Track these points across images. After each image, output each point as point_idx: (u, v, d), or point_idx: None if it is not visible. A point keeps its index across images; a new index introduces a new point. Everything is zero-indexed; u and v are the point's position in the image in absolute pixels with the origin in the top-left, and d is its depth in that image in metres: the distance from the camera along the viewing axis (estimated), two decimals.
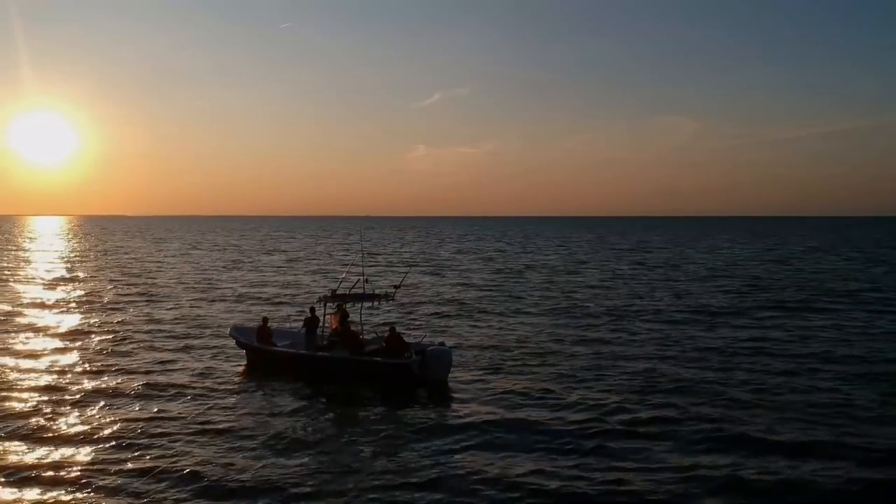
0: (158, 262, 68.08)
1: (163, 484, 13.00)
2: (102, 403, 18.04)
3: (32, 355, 23.95)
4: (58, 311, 34.50)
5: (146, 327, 29.48)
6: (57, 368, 21.92)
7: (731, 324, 30.54)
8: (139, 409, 17.55)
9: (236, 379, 21.02)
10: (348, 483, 13.09)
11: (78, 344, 25.79)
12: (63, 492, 12.64)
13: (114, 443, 15.11)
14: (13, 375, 20.95)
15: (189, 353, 24.31)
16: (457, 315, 33.33)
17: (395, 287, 23.39)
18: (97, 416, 16.93)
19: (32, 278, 51.30)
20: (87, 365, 22.38)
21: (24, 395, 18.74)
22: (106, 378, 20.65)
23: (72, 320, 31.43)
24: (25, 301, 37.90)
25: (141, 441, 15.22)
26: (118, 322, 30.77)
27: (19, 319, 31.52)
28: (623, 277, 52.52)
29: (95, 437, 15.48)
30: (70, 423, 16.45)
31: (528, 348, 25.07)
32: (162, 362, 22.87)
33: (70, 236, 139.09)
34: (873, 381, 20.35)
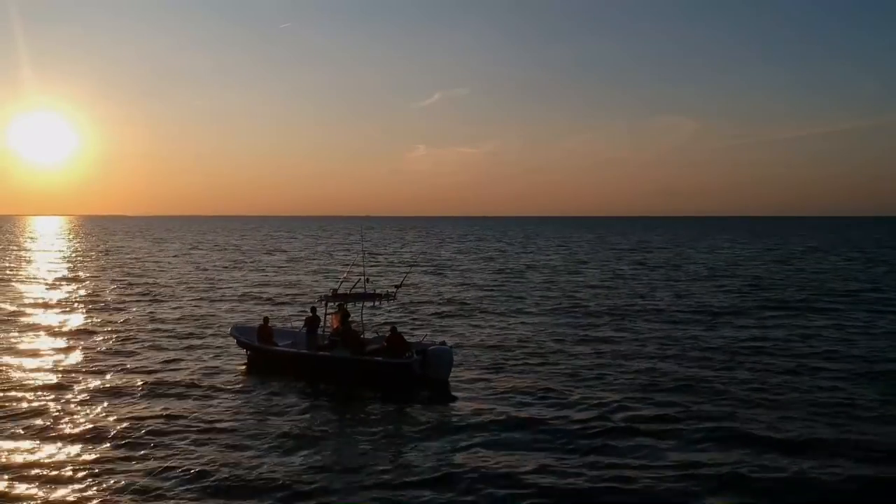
0: (159, 262, 68.11)
1: (166, 482, 13.04)
2: (104, 402, 18.08)
3: (35, 354, 24.02)
4: (60, 310, 34.54)
5: (148, 327, 29.52)
6: (60, 368, 21.96)
7: (733, 323, 30.56)
8: (141, 409, 17.58)
9: (237, 378, 21.04)
10: (351, 481, 13.13)
11: (80, 343, 25.83)
12: (68, 490, 12.68)
13: (117, 442, 15.16)
14: (17, 374, 21.00)
15: (190, 353, 24.34)
16: (458, 315, 33.35)
17: (396, 287, 23.42)
18: (99, 415, 16.96)
19: (35, 278, 51.34)
20: (89, 364, 22.42)
21: (28, 395, 18.77)
22: (108, 377, 20.69)
23: (74, 320, 31.47)
24: (28, 301, 37.95)
25: (143, 440, 15.26)
26: (120, 322, 30.81)
27: (22, 319, 31.58)
28: (624, 277, 52.53)
29: (98, 435, 15.51)
30: (72, 422, 16.47)
31: (529, 348, 25.10)
32: (164, 362, 22.91)
33: (71, 236, 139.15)
34: (874, 381, 20.38)
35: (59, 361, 22.92)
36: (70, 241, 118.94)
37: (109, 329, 28.93)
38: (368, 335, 23.28)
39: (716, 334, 27.87)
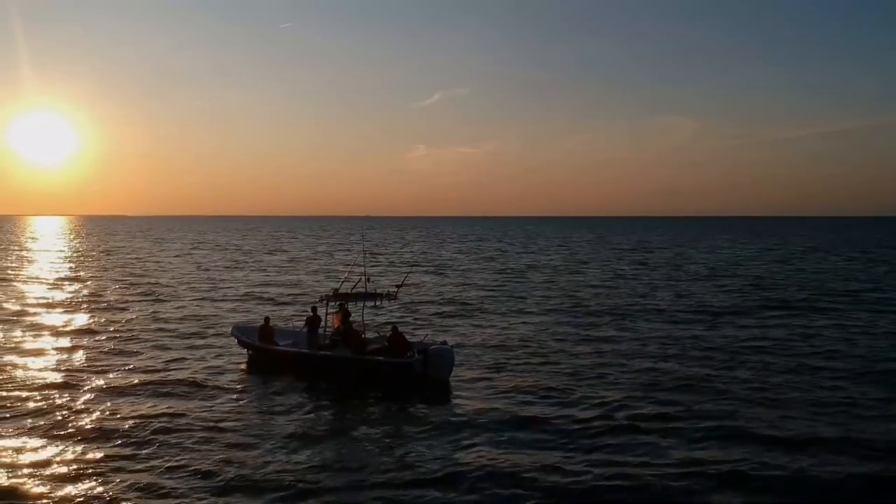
0: (160, 262, 68.16)
1: (170, 481, 13.08)
2: (108, 401, 18.12)
3: (39, 353, 24.11)
4: (63, 310, 34.59)
5: (150, 327, 29.56)
6: (63, 367, 22.01)
7: (733, 323, 30.60)
8: (143, 408, 17.61)
9: (239, 378, 21.08)
10: (353, 480, 13.16)
11: (83, 343, 25.90)
12: (75, 489, 12.71)
13: (121, 440, 15.20)
14: (21, 373, 21.08)
15: (192, 353, 24.38)
16: (459, 314, 33.39)
17: (398, 286, 23.46)
18: (103, 414, 17.00)
19: (37, 278, 51.40)
20: (92, 363, 22.47)
21: (33, 394, 18.81)
22: (111, 377, 20.73)
23: (77, 320, 31.51)
24: (31, 301, 38.04)
25: (147, 439, 15.31)
26: (122, 321, 30.86)
27: (26, 318, 31.66)
28: (624, 277, 52.57)
29: (102, 434, 15.57)
30: (77, 420, 16.51)
31: (530, 347, 25.12)
32: (166, 361, 22.95)
33: (72, 236, 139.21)
34: (875, 380, 20.42)
35: (63, 361, 22.98)
36: (71, 241, 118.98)
37: (112, 329, 28.98)
38: (369, 335, 23.31)
39: (717, 334, 27.90)
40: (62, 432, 15.71)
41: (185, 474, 13.39)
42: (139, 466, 13.77)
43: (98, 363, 22.56)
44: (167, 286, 45.40)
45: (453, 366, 20.38)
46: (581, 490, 12.78)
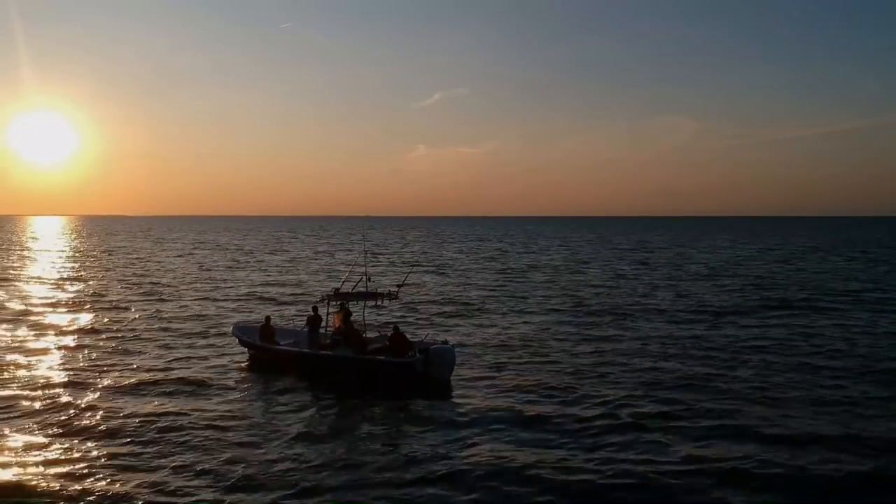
0: (162, 262, 68.19)
1: (173, 479, 13.12)
2: (111, 400, 18.16)
3: (43, 352, 24.18)
4: (66, 310, 34.61)
5: (151, 326, 29.60)
6: (67, 366, 22.06)
7: (734, 322, 30.62)
8: (145, 407, 17.64)
9: (240, 377, 21.10)
10: (355, 479, 13.18)
11: (86, 342, 25.95)
12: (80, 487, 12.77)
13: (125, 439, 15.26)
14: (26, 373, 21.16)
15: (194, 352, 24.41)
16: (460, 314, 33.40)
17: (398, 286, 23.46)
18: (106, 413, 17.01)
19: (39, 278, 51.44)
20: (94, 363, 22.52)
21: (38, 393, 18.88)
22: (114, 376, 20.77)
23: (80, 319, 31.53)
24: (34, 300, 38.09)
25: (150, 438, 15.35)
26: (124, 321, 30.90)
27: (29, 318, 31.73)
28: (625, 277, 52.58)
29: (106, 433, 15.63)
30: (80, 419, 16.55)
31: (531, 347, 25.14)
32: (167, 360, 22.98)
33: (73, 236, 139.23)
34: (876, 379, 20.45)
35: (66, 360, 23.03)
36: (71, 241, 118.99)
37: (115, 328, 29.04)
38: (371, 334, 23.32)
39: (718, 333, 27.91)
40: (66, 431, 15.77)
41: (188, 473, 13.43)
42: (144, 464, 13.82)
43: (101, 362, 22.60)
44: (169, 286, 45.43)
45: (454, 365, 20.40)
46: (583, 488, 12.81)
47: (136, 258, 73.06)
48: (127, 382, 19.99)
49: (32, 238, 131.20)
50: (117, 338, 26.84)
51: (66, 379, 20.35)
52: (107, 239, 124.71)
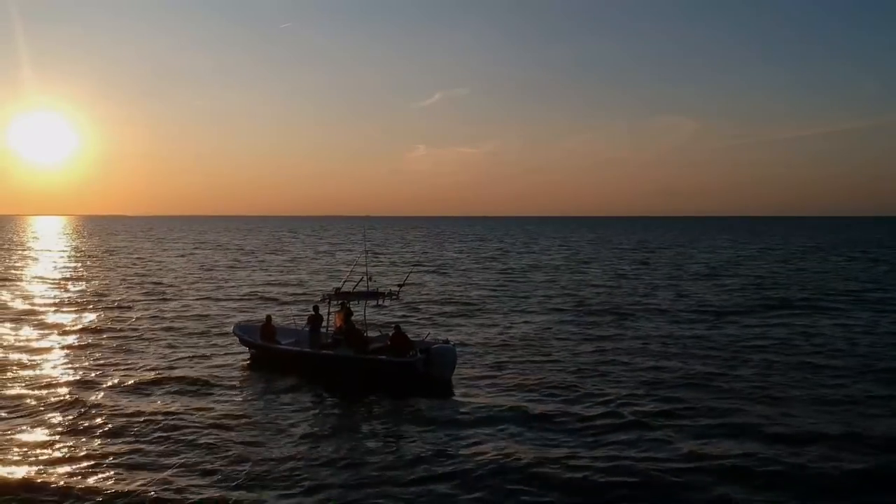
0: (163, 261, 68.24)
1: (176, 478, 13.15)
2: (113, 399, 18.21)
3: (46, 351, 24.24)
4: (68, 309, 34.64)
5: (153, 325, 29.63)
6: (69, 366, 22.11)
7: (735, 322, 30.64)
8: (147, 406, 17.69)
9: (241, 377, 21.13)
10: (357, 477, 13.22)
11: (89, 342, 26.00)
12: (82, 485, 12.80)
13: (128, 438, 15.30)
14: (29, 372, 21.20)
15: (195, 352, 24.44)
16: (461, 314, 33.42)
17: (399, 286, 23.48)
18: (109, 412, 17.06)
19: (42, 278, 51.50)
20: (97, 362, 22.57)
21: (39, 392, 18.93)
22: (116, 374, 20.81)
23: (82, 319, 31.55)
24: (37, 300, 38.19)
25: (152, 436, 15.39)
26: (126, 320, 30.95)
27: (32, 317, 31.84)
28: (626, 277, 52.60)
29: (108, 431, 15.67)
30: (82, 418, 16.59)
31: (533, 346, 25.17)
32: (169, 360, 23.02)
33: (73, 236, 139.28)
34: (877, 378, 20.49)
35: (69, 359, 23.09)
36: (73, 241, 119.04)
37: (118, 327, 29.09)
38: (372, 334, 23.34)
39: (719, 333, 27.94)
40: (72, 430, 15.81)
41: (192, 471, 13.47)
42: (149, 462, 13.86)
43: (104, 361, 22.66)
44: (170, 286, 45.48)
45: (456, 365, 20.42)
46: (586, 485, 12.85)
47: (138, 258, 73.10)
48: (130, 381, 20.03)
49: (34, 238, 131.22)
50: (120, 337, 26.89)
51: (71, 378, 20.41)
52: (107, 239, 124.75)
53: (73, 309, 34.83)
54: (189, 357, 23.50)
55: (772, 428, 15.83)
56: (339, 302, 22.12)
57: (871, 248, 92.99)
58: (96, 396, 18.46)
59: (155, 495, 12.40)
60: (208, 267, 61.78)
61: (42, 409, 17.44)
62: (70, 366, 22.09)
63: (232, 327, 26.00)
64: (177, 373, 21.20)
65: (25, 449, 14.62)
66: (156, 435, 15.48)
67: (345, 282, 23.99)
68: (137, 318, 31.57)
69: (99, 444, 14.89)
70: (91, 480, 13.01)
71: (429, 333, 24.74)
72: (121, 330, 28.52)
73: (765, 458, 14.00)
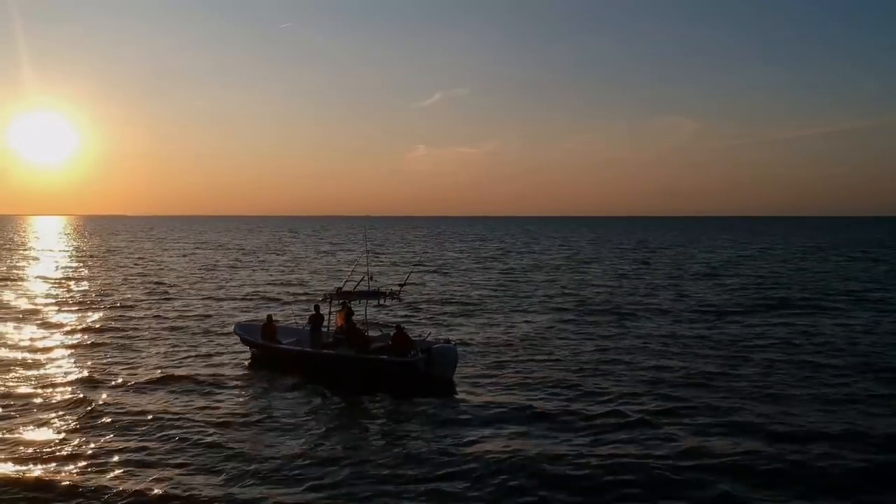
0: (164, 261, 68.31)
1: (178, 476, 13.23)
2: (115, 398, 18.29)
3: (48, 351, 24.34)
4: (70, 309, 34.69)
5: (155, 325, 29.71)
6: (72, 365, 22.18)
7: (736, 321, 30.70)
8: (150, 405, 17.76)
9: (242, 376, 21.18)
10: (358, 476, 13.27)
11: (91, 341, 26.09)
12: (85, 484, 12.88)
13: (130, 437, 15.39)
14: (32, 371, 21.27)
15: (197, 351, 24.51)
16: (462, 314, 33.47)
17: (400, 285, 23.53)
18: (111, 411, 17.14)
19: (43, 277, 51.56)
20: (99, 361, 22.64)
21: (42, 391, 18.99)
22: (118, 373, 20.89)
23: (84, 318, 31.62)
24: (39, 299, 38.27)
25: (154, 435, 15.47)
26: (128, 320, 31.03)
27: (35, 317, 31.96)
28: (627, 276, 52.65)
29: (111, 430, 15.75)
30: (85, 417, 16.65)
31: (534, 345, 25.23)
32: (171, 359, 23.09)
33: (74, 236, 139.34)
34: (878, 376, 20.55)
35: (73, 358, 23.16)
36: (73, 240, 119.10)
37: (120, 327, 29.17)
38: (373, 333, 23.39)
39: (720, 332, 28.00)
40: (76, 428, 15.90)
41: (195, 470, 13.55)
42: (153, 461, 13.95)
43: (108, 360, 22.75)
44: (172, 285, 45.54)
45: (457, 364, 20.45)
46: (589, 483, 12.91)
47: (139, 258, 73.15)
48: (134, 381, 20.11)
49: (35, 238, 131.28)
50: (123, 336, 26.97)
51: (75, 377, 20.47)
52: (108, 239, 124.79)
53: (75, 309, 34.90)
54: (191, 356, 23.56)
55: (773, 426, 15.90)
56: (341, 301, 22.17)
57: (871, 248, 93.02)
58: (101, 395, 18.54)
59: (161, 493, 12.49)
60: (209, 267, 61.84)
61: (47, 407, 17.53)
62: (74, 365, 22.16)
63: (233, 327, 26.05)
64: (179, 372, 21.26)
65: (32, 447, 14.70)
66: (160, 434, 15.56)
67: (346, 281, 24.03)
68: (140, 318, 31.64)
69: (105, 443, 14.98)
70: (97, 479, 13.09)
71: (430, 333, 24.79)
72: (124, 329, 28.59)
73: (766, 457, 14.06)
